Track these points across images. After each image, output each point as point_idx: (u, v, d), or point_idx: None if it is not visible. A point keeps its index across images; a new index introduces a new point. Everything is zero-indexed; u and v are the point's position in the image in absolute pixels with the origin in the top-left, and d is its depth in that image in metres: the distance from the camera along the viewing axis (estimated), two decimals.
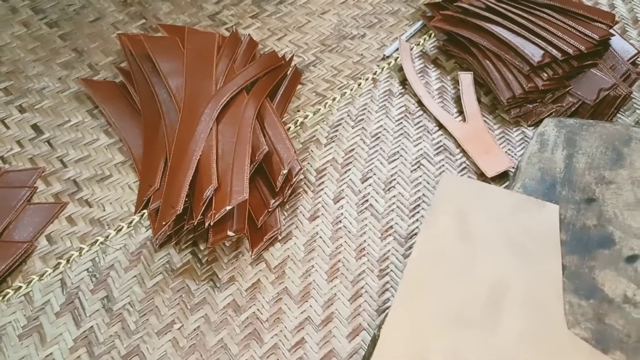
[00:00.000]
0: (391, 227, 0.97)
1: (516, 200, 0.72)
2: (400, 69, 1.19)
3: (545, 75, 1.07)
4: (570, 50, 1.06)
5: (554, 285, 0.63)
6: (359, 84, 1.18)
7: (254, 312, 0.88)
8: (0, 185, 1.03)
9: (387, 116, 1.13)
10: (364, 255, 0.94)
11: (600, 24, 1.10)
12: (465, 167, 1.04)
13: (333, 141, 1.09)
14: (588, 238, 0.69)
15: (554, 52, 1.07)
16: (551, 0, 1.14)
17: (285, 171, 0.96)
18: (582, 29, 1.09)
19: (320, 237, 0.96)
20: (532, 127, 1.09)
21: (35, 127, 1.13)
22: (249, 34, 1.23)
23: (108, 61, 1.24)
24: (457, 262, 0.67)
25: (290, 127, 1.11)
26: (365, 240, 0.96)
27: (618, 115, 1.09)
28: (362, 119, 1.12)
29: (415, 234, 0.96)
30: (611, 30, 1.11)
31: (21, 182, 1.04)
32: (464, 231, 0.69)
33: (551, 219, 0.69)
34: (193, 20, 1.31)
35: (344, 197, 1.01)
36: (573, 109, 1.07)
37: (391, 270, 0.92)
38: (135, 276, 0.92)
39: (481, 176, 1.01)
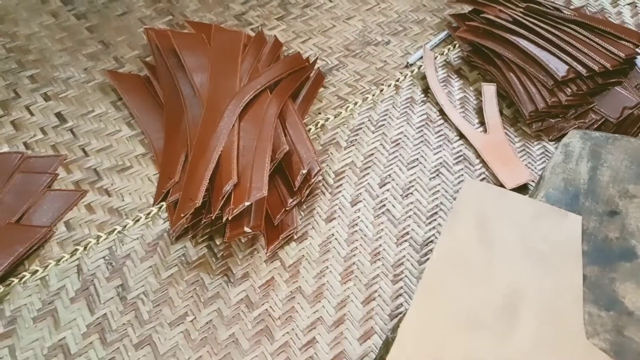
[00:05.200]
0: (407, 233, 0.97)
1: (538, 208, 0.72)
2: (423, 78, 1.20)
3: (569, 90, 1.06)
4: (596, 67, 1.06)
5: (573, 294, 0.63)
6: (381, 90, 1.18)
7: (266, 309, 0.88)
8: (22, 170, 1.04)
9: (408, 123, 1.13)
10: (378, 260, 0.94)
11: (626, 43, 1.10)
12: (484, 178, 1.04)
13: (353, 145, 1.10)
14: (610, 250, 0.68)
15: (579, 67, 1.06)
16: (578, 17, 1.15)
17: (304, 171, 0.97)
18: (608, 47, 1.08)
19: (336, 238, 0.96)
20: (554, 142, 1.09)
21: (59, 115, 1.14)
22: (274, 35, 1.24)
23: (134, 55, 1.25)
24: (476, 266, 0.67)
25: (310, 129, 1.11)
26: (380, 245, 0.96)
27: None
28: (383, 125, 1.13)
29: (432, 241, 0.96)
30: (637, 49, 1.10)
31: (43, 168, 1.05)
32: (484, 236, 0.69)
33: (573, 229, 0.68)
34: (219, 19, 1.33)
35: (361, 201, 1.01)
36: (596, 126, 1.07)
37: (405, 276, 0.92)
38: (150, 267, 0.92)
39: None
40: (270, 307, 0.88)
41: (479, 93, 1.17)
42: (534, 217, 0.71)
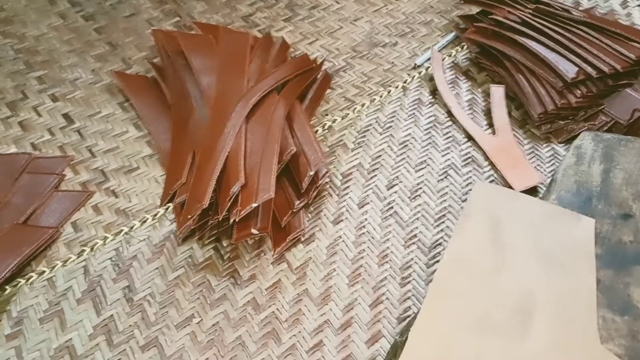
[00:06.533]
0: (415, 235, 0.96)
1: (551, 211, 0.71)
2: (431, 79, 1.19)
3: (579, 92, 1.05)
4: (606, 69, 1.05)
5: (587, 298, 0.62)
6: (389, 92, 1.18)
7: (273, 312, 0.88)
8: (29, 171, 1.04)
9: (415, 125, 1.12)
10: (386, 262, 0.93)
11: (636, 44, 1.09)
12: (493, 180, 1.03)
13: (360, 146, 1.09)
14: (624, 254, 0.67)
15: (589, 69, 1.05)
16: (588, 18, 1.14)
17: (311, 173, 0.96)
18: (619, 48, 1.07)
19: (343, 241, 0.96)
20: (563, 144, 1.08)
21: (66, 116, 1.14)
22: (281, 36, 1.24)
23: (141, 56, 1.25)
24: (488, 269, 0.66)
25: (318, 130, 1.11)
26: (388, 247, 0.95)
27: None
28: (391, 126, 1.12)
29: (440, 244, 0.95)
30: None
31: (50, 169, 1.05)
32: (497, 239, 0.68)
33: (587, 232, 0.67)
34: (226, 21, 1.32)
35: (368, 203, 1.01)
36: (605, 128, 1.06)
37: (413, 279, 0.91)
38: (157, 268, 0.92)
39: None
40: (277, 309, 0.88)
41: (487, 95, 1.16)
42: (546, 219, 0.70)
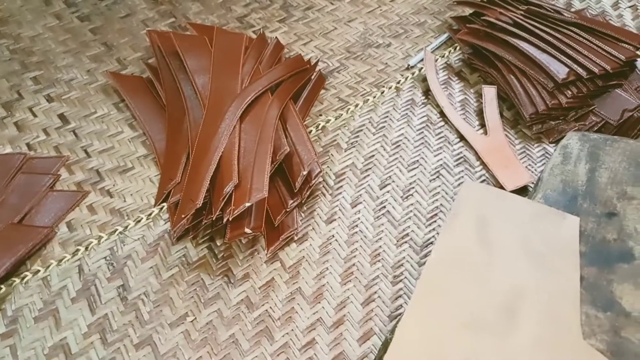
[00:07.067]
0: (407, 234, 0.97)
1: (537, 210, 0.72)
2: (424, 80, 1.20)
3: (570, 92, 1.07)
4: (596, 70, 1.06)
5: (571, 295, 0.63)
6: (382, 92, 1.19)
7: (266, 310, 0.89)
8: (24, 171, 1.05)
9: (408, 125, 1.13)
10: (378, 261, 0.94)
11: (627, 45, 1.10)
12: (484, 180, 1.04)
13: (353, 146, 1.10)
14: (607, 251, 0.68)
15: (580, 70, 1.07)
16: (579, 19, 1.15)
17: (305, 172, 0.97)
18: (609, 49, 1.09)
19: (336, 240, 0.97)
20: (554, 144, 1.09)
21: (61, 116, 1.15)
22: (276, 37, 1.25)
23: (136, 57, 1.26)
24: (475, 267, 0.67)
25: (311, 131, 1.12)
26: (380, 246, 0.96)
27: None
28: (384, 127, 1.13)
29: (432, 243, 0.96)
30: (638, 52, 1.10)
31: (45, 169, 1.06)
32: (484, 237, 0.70)
33: (571, 230, 0.69)
34: (221, 22, 1.33)
35: (361, 202, 1.02)
36: (596, 128, 1.07)
37: (405, 277, 0.92)
38: (151, 267, 0.93)
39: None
40: (270, 307, 0.89)
41: (479, 95, 1.17)
42: (532, 218, 0.71)
